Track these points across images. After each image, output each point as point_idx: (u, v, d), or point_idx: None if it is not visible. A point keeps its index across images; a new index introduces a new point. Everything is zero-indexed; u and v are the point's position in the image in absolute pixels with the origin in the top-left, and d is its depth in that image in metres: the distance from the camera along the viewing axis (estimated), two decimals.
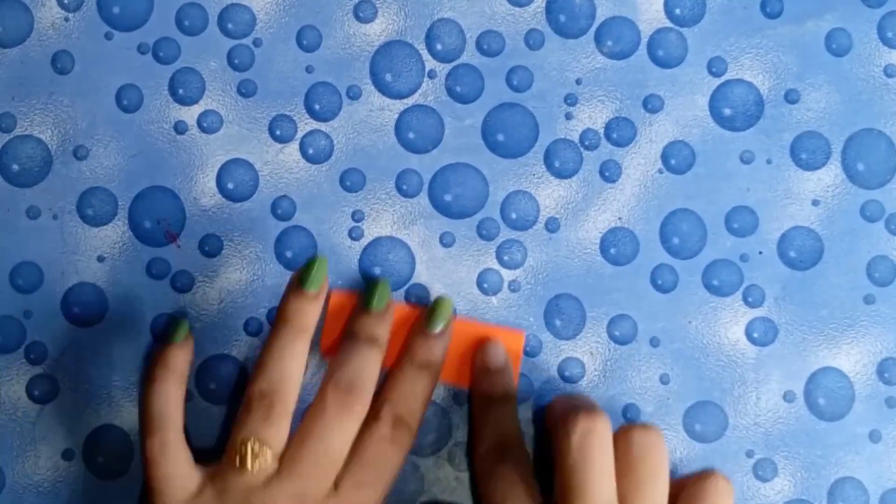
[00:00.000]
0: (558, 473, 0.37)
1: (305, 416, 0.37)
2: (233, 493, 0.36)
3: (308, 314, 0.38)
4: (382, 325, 0.39)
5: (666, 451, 0.37)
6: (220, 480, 0.37)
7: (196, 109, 0.41)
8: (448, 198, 0.41)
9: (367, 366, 0.38)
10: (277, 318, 0.38)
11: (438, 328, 0.39)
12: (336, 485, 0.37)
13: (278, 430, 0.37)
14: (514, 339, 0.40)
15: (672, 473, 0.41)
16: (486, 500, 0.39)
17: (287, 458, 0.37)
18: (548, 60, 0.42)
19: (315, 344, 0.40)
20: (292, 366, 0.38)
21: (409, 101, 0.42)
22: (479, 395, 0.40)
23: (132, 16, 0.41)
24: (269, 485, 0.36)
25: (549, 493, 0.37)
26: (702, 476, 0.38)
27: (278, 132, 0.41)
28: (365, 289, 0.40)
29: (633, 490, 0.36)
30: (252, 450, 0.36)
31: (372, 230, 0.41)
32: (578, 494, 0.36)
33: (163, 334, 0.40)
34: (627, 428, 0.38)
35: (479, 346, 0.40)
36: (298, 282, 0.38)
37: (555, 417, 0.38)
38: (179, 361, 0.39)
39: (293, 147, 0.41)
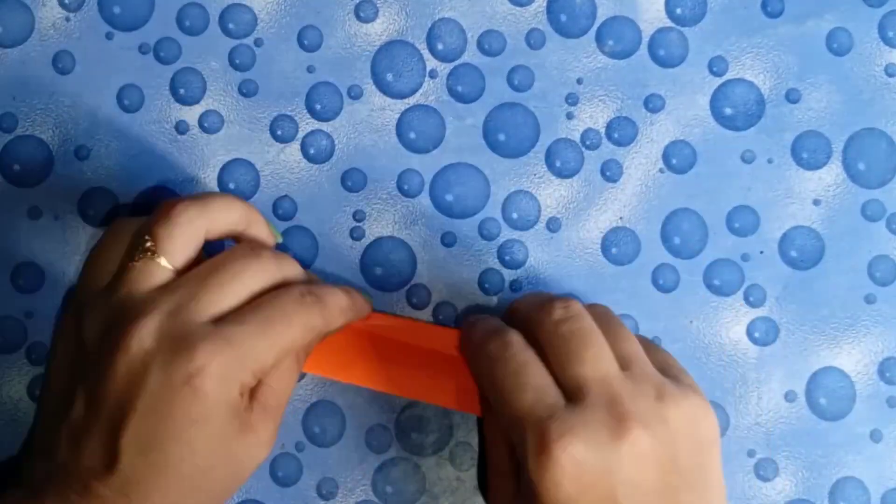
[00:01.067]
0: (551, 354, 0.35)
1: (218, 255, 0.36)
2: (119, 287, 0.34)
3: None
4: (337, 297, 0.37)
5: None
6: (115, 279, 0.35)
7: (197, 109, 0.41)
8: (449, 198, 0.42)
9: (294, 262, 0.37)
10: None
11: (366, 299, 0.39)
12: (217, 321, 0.34)
13: (177, 241, 0.35)
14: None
15: None
16: (491, 382, 0.36)
17: (182, 276, 0.35)
18: (549, 60, 0.42)
19: None
20: (228, 210, 0.36)
21: (411, 101, 0.42)
22: (473, 341, 0.38)
23: (133, 16, 0.41)
24: (152, 292, 0.34)
25: None
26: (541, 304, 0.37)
27: (279, 132, 0.41)
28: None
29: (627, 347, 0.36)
30: (143, 244, 0.35)
31: (373, 230, 0.41)
32: (576, 358, 0.34)
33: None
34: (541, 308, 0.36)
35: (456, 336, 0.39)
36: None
37: (526, 311, 0.37)
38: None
39: (294, 147, 0.41)
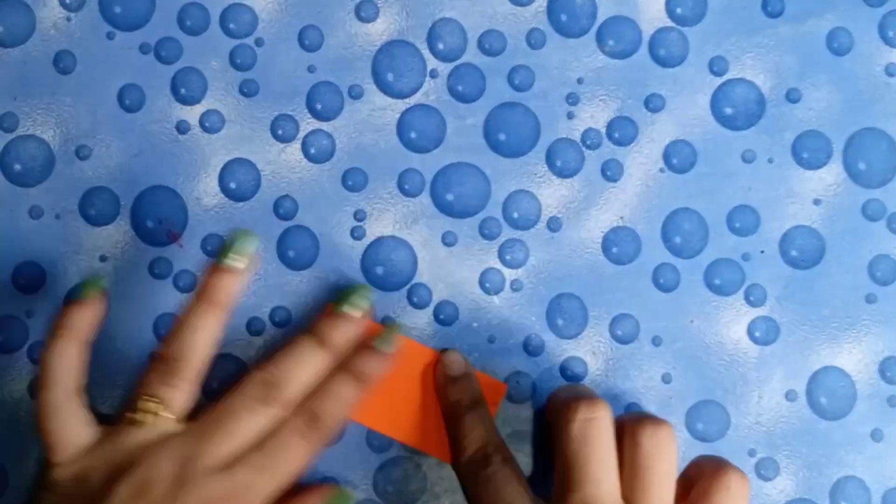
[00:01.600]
0: (558, 464, 0.37)
1: (225, 396, 0.37)
2: (125, 447, 0.36)
3: (223, 289, 0.38)
4: (340, 331, 0.39)
5: (675, 448, 0.37)
6: (116, 436, 0.36)
7: (198, 109, 0.41)
8: (450, 197, 0.42)
9: (302, 367, 0.38)
10: (196, 291, 0.38)
11: (383, 346, 0.39)
12: (230, 465, 0.36)
13: (180, 394, 0.37)
14: (496, 389, 0.40)
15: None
16: (476, 501, 0.38)
17: (192, 425, 0.37)
18: (549, 60, 0.42)
19: None
20: (201, 337, 0.37)
21: (411, 101, 0.42)
22: (447, 406, 0.40)
23: (134, 15, 0.41)
24: (163, 440, 0.36)
25: (546, 491, 0.37)
26: (716, 471, 0.37)
27: (280, 132, 0.41)
28: (345, 290, 0.40)
29: (639, 489, 0.36)
30: (148, 406, 0.36)
31: (374, 230, 0.41)
32: (579, 483, 0.36)
33: (74, 290, 0.39)
34: (636, 421, 0.37)
35: (438, 358, 0.40)
36: (217, 255, 0.38)
37: (556, 408, 0.38)
38: (81, 321, 0.37)
39: (295, 146, 0.41)
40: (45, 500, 0.36)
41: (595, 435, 0.36)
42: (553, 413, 0.39)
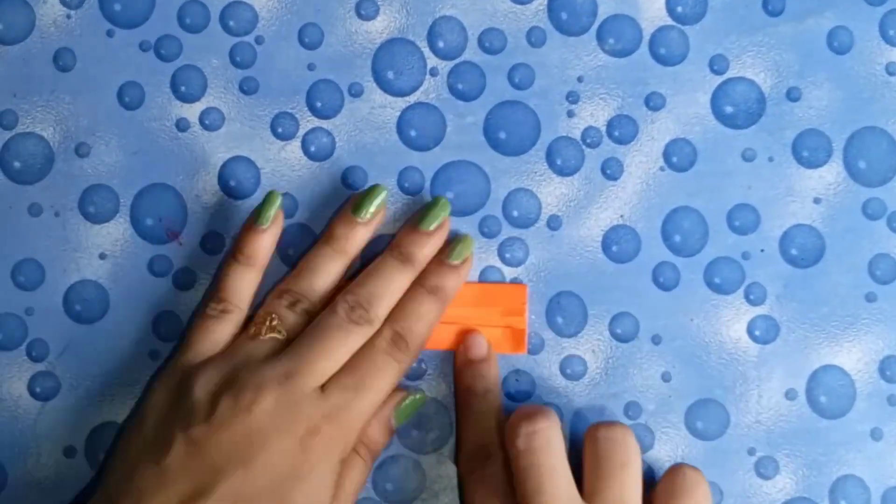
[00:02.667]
0: (515, 482, 0.37)
1: (317, 319, 0.38)
2: (237, 357, 0.38)
3: (352, 240, 0.40)
4: (424, 247, 0.40)
5: (633, 446, 0.37)
6: (234, 346, 0.38)
7: (198, 107, 0.41)
8: (450, 195, 0.41)
9: (390, 284, 0.39)
10: (325, 235, 0.40)
11: (457, 260, 0.40)
12: (324, 387, 0.37)
13: (297, 319, 0.39)
14: (517, 293, 0.41)
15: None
16: (467, 500, 0.39)
17: (292, 345, 0.38)
18: (549, 58, 0.42)
19: None
20: (324, 280, 0.39)
21: (411, 99, 0.42)
22: (461, 388, 0.40)
23: (134, 13, 0.41)
24: (267, 360, 0.37)
25: None
26: (669, 471, 0.38)
27: (280, 130, 0.41)
28: (424, 207, 0.40)
29: (599, 484, 0.37)
30: (269, 322, 0.38)
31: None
32: (535, 494, 0.36)
33: (254, 212, 0.40)
34: (593, 427, 0.38)
35: (462, 339, 0.40)
36: (352, 209, 0.40)
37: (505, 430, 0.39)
38: (259, 249, 0.39)
39: (295, 144, 0.41)
40: (158, 395, 0.38)
41: (539, 446, 0.37)
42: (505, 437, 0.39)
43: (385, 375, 0.38)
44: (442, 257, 0.40)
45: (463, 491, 0.40)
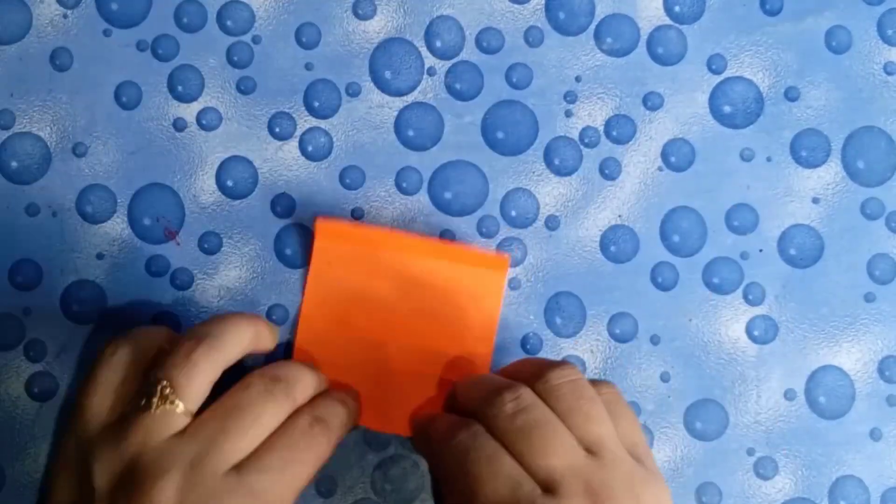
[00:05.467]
0: (510, 445, 0.34)
1: (227, 392, 0.35)
2: (133, 435, 0.34)
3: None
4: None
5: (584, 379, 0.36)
6: (128, 419, 0.34)
7: (195, 106, 0.41)
8: (448, 195, 0.41)
9: (304, 374, 0.37)
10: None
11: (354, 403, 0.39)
12: (238, 468, 0.34)
13: (196, 386, 0.34)
14: (498, 262, 0.40)
15: (675, 470, 0.41)
16: (463, 472, 0.34)
17: (197, 422, 0.34)
18: (547, 58, 0.42)
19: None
20: (239, 339, 0.36)
21: (409, 99, 0.42)
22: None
23: (131, 12, 0.41)
24: (169, 441, 0.34)
25: None
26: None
27: (277, 129, 0.41)
28: None
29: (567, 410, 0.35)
30: (161, 391, 0.34)
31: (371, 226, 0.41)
32: (539, 448, 0.34)
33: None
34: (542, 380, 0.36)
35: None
36: None
37: (473, 404, 0.37)
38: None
39: (292, 144, 0.41)
40: (61, 480, 0.35)
41: (531, 403, 0.34)
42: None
43: (307, 457, 0.35)
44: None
45: (441, 467, 0.36)
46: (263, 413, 0.35)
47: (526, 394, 0.35)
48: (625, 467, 0.34)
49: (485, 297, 0.40)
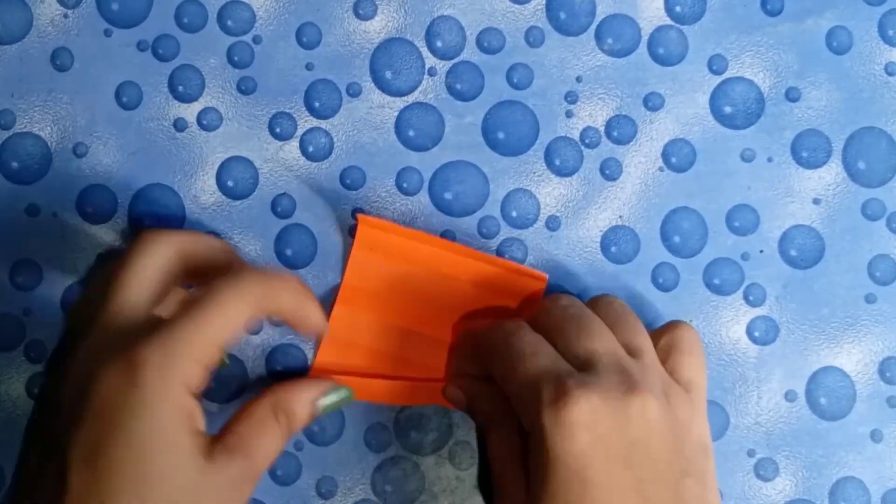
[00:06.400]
0: (552, 335, 0.36)
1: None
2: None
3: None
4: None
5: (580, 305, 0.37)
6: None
7: (196, 107, 0.41)
8: (448, 196, 0.41)
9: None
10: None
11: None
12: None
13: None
14: (537, 276, 0.40)
15: None
16: (504, 365, 0.36)
17: None
18: (548, 58, 0.42)
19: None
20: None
21: (410, 99, 0.42)
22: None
23: (131, 12, 0.41)
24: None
25: None
26: (667, 327, 0.38)
27: (278, 130, 0.41)
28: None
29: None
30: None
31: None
32: (582, 332, 0.36)
33: None
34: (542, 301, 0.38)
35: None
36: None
37: (533, 306, 0.39)
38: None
39: (293, 144, 0.41)
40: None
41: (569, 302, 0.37)
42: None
43: (230, 305, 0.33)
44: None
45: (494, 358, 0.37)
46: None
47: (577, 300, 0.38)
48: (661, 375, 0.36)
49: (522, 301, 0.40)
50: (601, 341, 0.35)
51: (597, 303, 0.38)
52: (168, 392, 0.31)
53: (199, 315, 0.32)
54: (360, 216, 0.40)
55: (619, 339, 0.36)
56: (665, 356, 0.37)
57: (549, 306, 0.37)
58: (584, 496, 0.33)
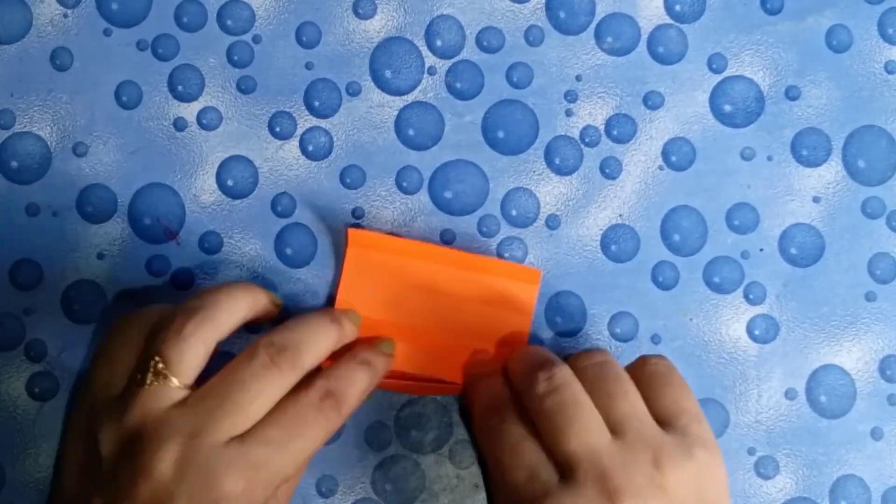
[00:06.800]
0: (540, 426, 0.35)
1: (230, 362, 0.35)
2: (133, 408, 0.34)
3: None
4: (351, 322, 0.39)
5: (614, 361, 0.37)
6: (128, 392, 0.35)
7: (195, 106, 0.41)
8: (448, 195, 0.41)
9: (319, 336, 0.36)
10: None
11: (387, 350, 0.39)
12: (242, 438, 0.34)
13: (188, 360, 0.34)
14: (530, 275, 0.40)
15: None
16: (492, 456, 0.37)
17: (197, 393, 0.34)
18: (548, 57, 0.42)
19: None
20: (234, 309, 0.36)
21: (409, 98, 0.42)
22: (469, 377, 0.40)
23: (131, 12, 0.41)
24: (168, 412, 0.34)
25: None
26: (636, 365, 0.37)
27: (278, 129, 0.41)
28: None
29: (607, 403, 0.35)
30: (154, 366, 0.34)
31: (372, 227, 0.41)
32: (565, 429, 0.34)
33: None
34: (572, 360, 0.37)
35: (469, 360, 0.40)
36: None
37: (516, 377, 0.38)
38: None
39: (293, 144, 0.41)
40: (71, 447, 0.36)
41: (562, 383, 0.35)
42: (517, 377, 0.38)
43: (314, 433, 0.35)
44: (373, 342, 0.39)
45: (486, 446, 0.38)
46: (266, 388, 0.34)
47: (560, 373, 0.36)
48: (651, 444, 0.34)
49: (517, 309, 0.40)
50: (579, 441, 0.34)
51: (575, 370, 0.37)
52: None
53: (284, 444, 0.34)
54: (350, 231, 0.39)
55: (601, 413, 0.35)
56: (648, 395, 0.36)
57: (528, 391, 0.36)
58: None
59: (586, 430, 0.34)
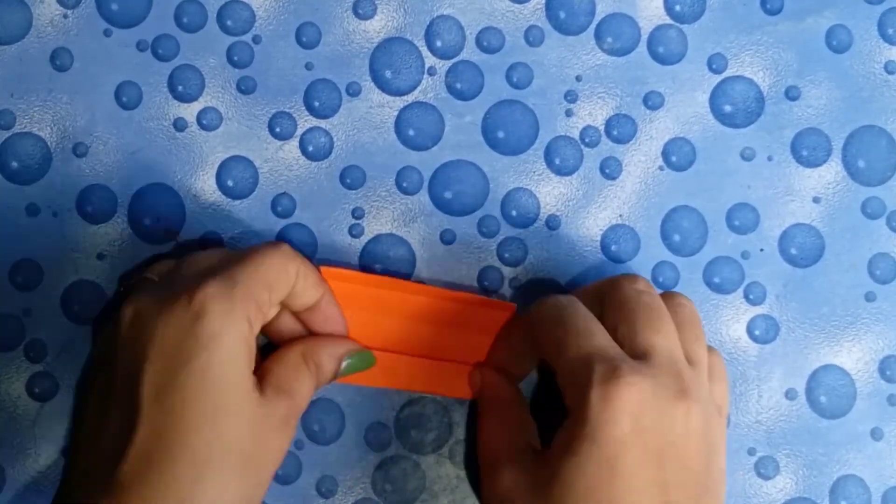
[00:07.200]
0: (621, 313, 0.35)
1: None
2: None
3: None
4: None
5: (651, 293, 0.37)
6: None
7: (195, 106, 0.41)
8: (448, 195, 0.41)
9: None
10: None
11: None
12: None
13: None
14: (504, 307, 0.40)
15: None
16: (551, 341, 0.36)
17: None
18: (548, 57, 0.42)
19: None
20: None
21: (409, 98, 0.42)
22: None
23: (131, 12, 0.41)
24: None
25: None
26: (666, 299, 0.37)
27: (278, 129, 0.41)
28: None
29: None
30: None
31: (372, 227, 0.41)
32: (654, 324, 0.35)
33: None
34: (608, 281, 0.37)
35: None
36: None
37: (599, 284, 0.38)
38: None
39: (293, 144, 0.41)
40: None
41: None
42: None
43: (285, 257, 0.36)
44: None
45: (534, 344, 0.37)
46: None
47: (653, 289, 0.37)
48: (707, 391, 0.35)
49: (492, 335, 0.40)
50: (664, 339, 0.34)
51: (670, 300, 0.37)
52: (233, 324, 0.33)
53: (254, 260, 0.35)
54: (323, 269, 0.38)
55: (681, 343, 0.35)
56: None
57: (623, 286, 0.36)
58: (610, 484, 0.32)
59: (672, 337, 0.35)
